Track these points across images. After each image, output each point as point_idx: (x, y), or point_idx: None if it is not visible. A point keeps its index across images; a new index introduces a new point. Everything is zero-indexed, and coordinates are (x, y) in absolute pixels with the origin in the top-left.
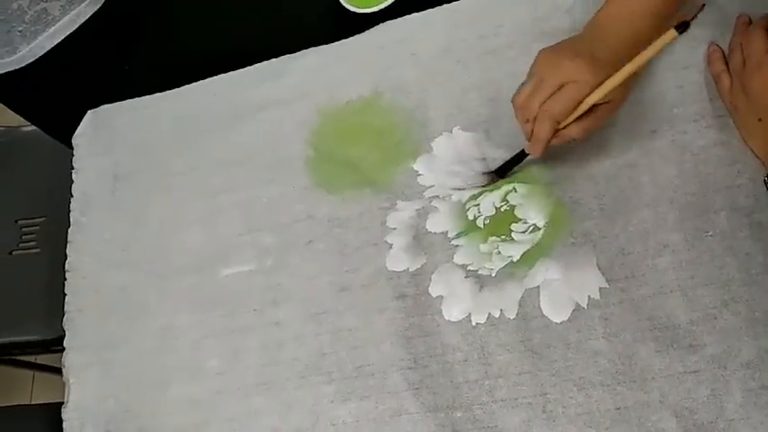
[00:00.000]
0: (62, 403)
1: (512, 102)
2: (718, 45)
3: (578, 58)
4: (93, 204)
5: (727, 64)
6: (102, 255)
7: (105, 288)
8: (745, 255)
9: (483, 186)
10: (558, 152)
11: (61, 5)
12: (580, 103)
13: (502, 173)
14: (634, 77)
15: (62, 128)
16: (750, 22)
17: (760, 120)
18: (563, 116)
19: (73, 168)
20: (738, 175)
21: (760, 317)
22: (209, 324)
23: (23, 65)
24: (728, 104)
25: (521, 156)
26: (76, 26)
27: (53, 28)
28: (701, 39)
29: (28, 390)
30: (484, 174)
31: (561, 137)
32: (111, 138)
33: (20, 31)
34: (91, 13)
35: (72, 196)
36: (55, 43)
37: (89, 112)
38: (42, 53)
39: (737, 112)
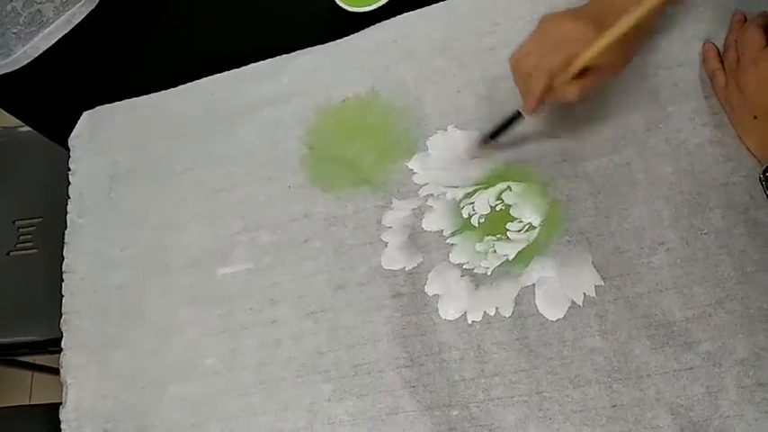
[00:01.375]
0: (60, 404)
1: (509, 61)
2: (712, 43)
3: (580, 20)
4: (90, 205)
5: (722, 62)
6: (99, 255)
7: (102, 288)
8: (740, 252)
9: (477, 184)
10: (552, 150)
11: (55, 7)
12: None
13: (495, 135)
14: (639, 41)
15: (58, 129)
16: (745, 20)
17: (755, 117)
18: (558, 70)
19: (69, 170)
20: (733, 173)
21: (755, 314)
22: (206, 323)
23: (18, 67)
24: (723, 102)
25: (514, 117)
26: (71, 27)
27: (48, 29)
28: (695, 36)
29: (27, 390)
30: (479, 140)
31: (555, 95)
32: (107, 138)
33: (14, 33)
34: (85, 14)
35: (69, 197)
36: (50, 44)
37: (85, 113)
38: (37, 54)
39: (733, 109)
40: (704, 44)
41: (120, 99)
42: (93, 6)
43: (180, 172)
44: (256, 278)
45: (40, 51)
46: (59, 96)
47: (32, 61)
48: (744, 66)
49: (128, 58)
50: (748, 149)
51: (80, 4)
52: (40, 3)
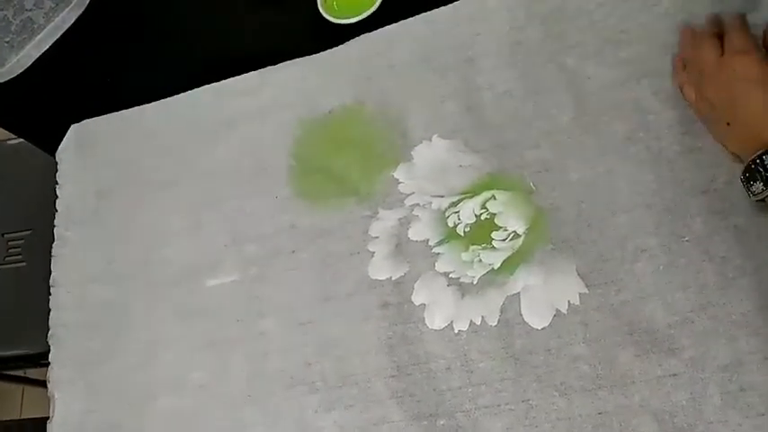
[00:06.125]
0: (48, 418)
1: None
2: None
3: None
4: (78, 219)
5: None
6: (86, 269)
7: (90, 302)
8: (721, 258)
9: (462, 193)
10: (534, 159)
11: (45, 13)
12: None
13: None
14: None
15: (50, 140)
16: (694, 34)
17: (728, 124)
18: None
19: (57, 183)
20: (714, 180)
21: (737, 320)
22: (194, 336)
23: (12, 76)
24: (697, 113)
25: None
26: (62, 32)
27: (39, 36)
28: (673, 46)
29: (18, 404)
30: None
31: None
32: (93, 152)
33: (7, 42)
34: (75, 18)
35: (56, 211)
36: (41, 52)
37: (72, 126)
38: (30, 63)
39: (706, 119)
40: (674, 58)
41: (111, 108)
42: (81, 10)
43: (166, 185)
44: (243, 290)
45: (33, 59)
46: (50, 106)
47: (22, 72)
48: (707, 79)
49: (115, 69)
50: (731, 154)
51: (69, 8)
52: (29, 10)
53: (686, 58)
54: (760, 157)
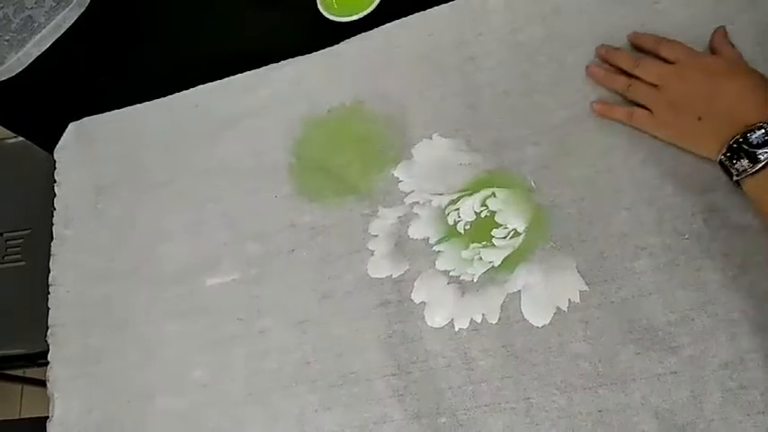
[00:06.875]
0: (48, 417)
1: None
2: (599, 101)
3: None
4: (77, 217)
5: (629, 101)
6: (85, 267)
7: (89, 301)
8: (722, 256)
9: (462, 191)
10: (534, 156)
11: (45, 11)
12: None
13: None
14: None
15: (50, 138)
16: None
17: (700, 118)
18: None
19: (55, 181)
20: (715, 179)
21: (737, 318)
22: (193, 335)
23: (12, 75)
24: (654, 129)
25: None
26: (62, 31)
27: (39, 35)
28: None
29: (17, 403)
30: None
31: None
32: (93, 150)
33: (7, 41)
34: (76, 17)
35: (54, 209)
36: (42, 50)
37: (71, 124)
38: (30, 61)
39: (670, 127)
40: (594, 105)
41: (111, 107)
42: (82, 9)
43: (166, 183)
44: (243, 289)
45: (33, 58)
46: (50, 105)
47: (22, 70)
48: (668, 85)
49: (116, 67)
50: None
51: (69, 7)
52: (30, 8)
53: (621, 82)
54: (743, 135)
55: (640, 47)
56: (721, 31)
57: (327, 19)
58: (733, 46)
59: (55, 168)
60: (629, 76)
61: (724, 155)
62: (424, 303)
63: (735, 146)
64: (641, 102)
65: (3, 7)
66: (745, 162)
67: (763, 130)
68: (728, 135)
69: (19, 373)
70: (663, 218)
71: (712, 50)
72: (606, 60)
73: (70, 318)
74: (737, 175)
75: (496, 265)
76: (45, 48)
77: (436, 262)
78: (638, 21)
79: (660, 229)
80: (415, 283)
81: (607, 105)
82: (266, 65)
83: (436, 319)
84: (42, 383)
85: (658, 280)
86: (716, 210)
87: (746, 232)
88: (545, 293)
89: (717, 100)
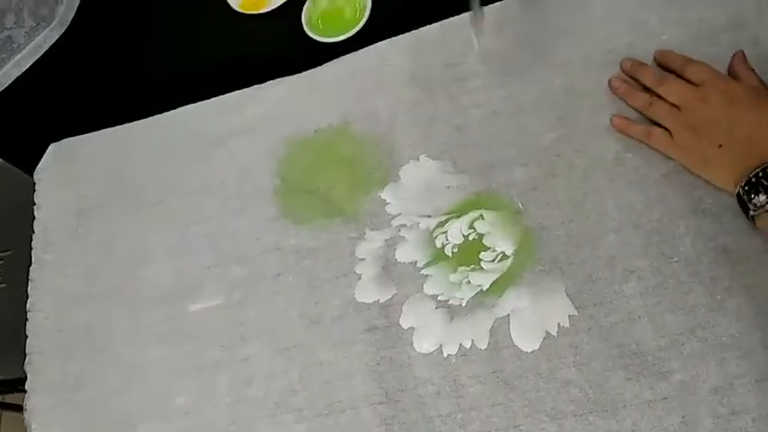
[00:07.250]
0: None
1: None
2: (619, 115)
3: None
4: (56, 240)
5: (649, 121)
6: (65, 292)
7: (69, 327)
8: (710, 279)
9: (449, 213)
10: (522, 178)
11: (26, 32)
12: None
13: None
14: None
15: (30, 160)
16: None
17: (720, 146)
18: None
19: (35, 204)
20: (702, 201)
21: (726, 342)
22: (176, 361)
23: None
24: (672, 152)
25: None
26: (43, 52)
27: (19, 55)
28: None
29: None
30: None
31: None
32: (74, 171)
33: None
34: (56, 37)
35: (33, 233)
36: (22, 71)
37: (51, 145)
38: (10, 82)
39: (688, 152)
40: (613, 119)
41: (92, 128)
42: (63, 30)
43: (149, 205)
44: (227, 314)
45: (12, 79)
46: (29, 125)
47: (1, 91)
48: (690, 108)
49: (97, 88)
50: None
51: (50, 27)
52: (9, 29)
53: (643, 102)
54: (763, 169)
55: (666, 66)
56: (740, 55)
57: (314, 40)
58: (753, 70)
59: (34, 190)
60: (651, 93)
61: (742, 188)
62: (413, 329)
63: (753, 180)
64: (661, 121)
65: None
66: (762, 198)
67: None
68: (746, 166)
69: None
70: (650, 241)
71: (732, 75)
72: (630, 74)
73: (49, 344)
74: (754, 210)
75: (485, 288)
76: (25, 68)
77: (424, 286)
78: (626, 40)
79: (648, 252)
80: (403, 308)
81: (626, 122)
82: (253, 85)
83: (425, 344)
84: (21, 409)
85: (647, 303)
86: (703, 233)
87: (734, 255)
88: (534, 318)
89: (737, 128)
